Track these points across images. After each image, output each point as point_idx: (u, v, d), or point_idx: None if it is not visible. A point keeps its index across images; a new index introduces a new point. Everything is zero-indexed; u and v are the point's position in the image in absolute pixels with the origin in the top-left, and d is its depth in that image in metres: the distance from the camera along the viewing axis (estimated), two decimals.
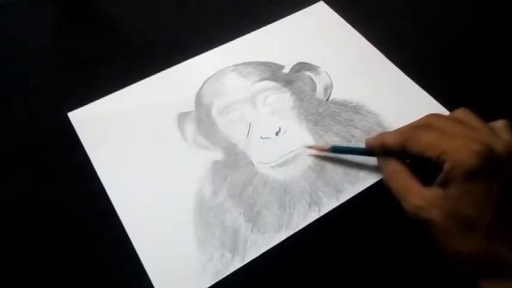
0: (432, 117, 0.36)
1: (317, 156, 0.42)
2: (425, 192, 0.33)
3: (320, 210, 0.39)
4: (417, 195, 0.34)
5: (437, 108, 0.45)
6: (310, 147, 0.42)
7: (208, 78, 0.48)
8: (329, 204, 0.40)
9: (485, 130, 0.34)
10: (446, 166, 0.32)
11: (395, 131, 0.38)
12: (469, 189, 0.32)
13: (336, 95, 0.47)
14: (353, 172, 0.41)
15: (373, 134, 0.43)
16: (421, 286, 0.37)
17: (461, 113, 0.36)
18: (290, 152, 0.42)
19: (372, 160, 0.40)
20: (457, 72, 0.50)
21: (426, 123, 0.36)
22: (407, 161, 0.36)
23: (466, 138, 0.32)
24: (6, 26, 0.54)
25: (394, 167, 0.37)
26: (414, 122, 0.37)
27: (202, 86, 0.47)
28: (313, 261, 0.37)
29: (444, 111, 0.45)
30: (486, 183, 0.31)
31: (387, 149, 0.37)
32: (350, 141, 0.43)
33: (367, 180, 0.41)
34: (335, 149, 0.41)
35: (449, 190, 0.32)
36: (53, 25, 0.55)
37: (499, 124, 0.35)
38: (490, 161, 0.31)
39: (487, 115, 0.35)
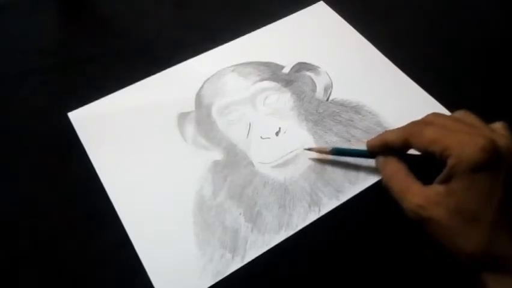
0: (433, 116, 0.36)
1: (317, 157, 0.42)
2: (426, 190, 0.33)
3: (319, 210, 0.39)
4: (418, 194, 0.33)
5: (437, 108, 0.45)
6: (310, 149, 0.42)
7: (208, 78, 0.48)
8: (329, 204, 0.40)
9: (486, 128, 0.34)
10: (450, 161, 0.32)
11: (397, 128, 0.38)
12: (474, 183, 0.31)
13: (336, 95, 0.47)
14: (353, 172, 0.41)
15: (373, 134, 0.43)
16: (421, 286, 0.37)
17: (461, 113, 0.36)
18: (290, 152, 0.42)
19: (372, 160, 0.40)
20: (457, 72, 0.50)
21: (427, 121, 0.36)
22: (409, 152, 0.36)
23: (469, 134, 0.32)
24: (6, 26, 0.54)
25: (393, 166, 0.37)
26: (416, 120, 0.37)
27: (202, 86, 0.47)
28: (313, 261, 0.37)
29: (444, 111, 0.45)
30: (491, 177, 0.31)
31: (389, 147, 0.37)
32: (349, 141, 0.43)
33: (367, 180, 0.41)
34: (335, 151, 0.41)
35: (453, 185, 0.32)
36: (53, 25, 0.55)
37: (498, 125, 0.35)
38: (494, 155, 0.31)
39: (486, 115, 0.35)
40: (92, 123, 0.45)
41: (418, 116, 0.37)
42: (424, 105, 0.46)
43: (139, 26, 0.54)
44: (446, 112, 0.44)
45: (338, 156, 0.42)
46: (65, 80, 0.49)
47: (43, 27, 0.54)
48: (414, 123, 0.36)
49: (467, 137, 0.32)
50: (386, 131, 0.39)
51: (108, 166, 0.42)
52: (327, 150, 0.41)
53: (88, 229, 0.39)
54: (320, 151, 0.42)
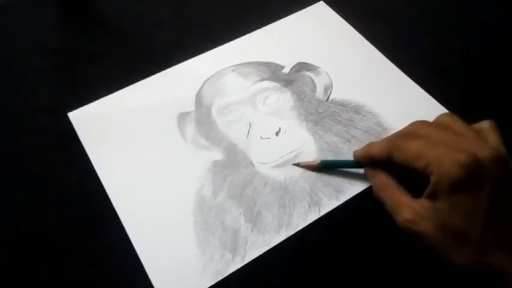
0: (417, 125, 0.36)
1: (317, 157, 0.42)
2: (415, 204, 0.33)
3: (319, 210, 0.39)
4: (408, 209, 0.33)
5: (437, 108, 0.45)
6: (297, 164, 0.41)
7: (208, 78, 0.48)
8: (329, 204, 0.40)
9: (471, 135, 0.33)
10: (433, 178, 0.32)
11: (382, 140, 0.38)
12: (456, 201, 0.31)
13: (336, 95, 0.47)
14: (353, 172, 0.41)
15: (373, 134, 0.43)
16: (421, 286, 0.37)
17: (445, 118, 0.36)
18: (290, 152, 0.42)
19: None
20: (457, 72, 0.50)
21: (411, 132, 0.35)
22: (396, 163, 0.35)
23: (450, 148, 0.32)
24: (6, 26, 0.54)
25: (382, 179, 0.37)
26: (400, 130, 0.37)
27: (202, 86, 0.47)
28: (314, 261, 0.37)
29: (444, 112, 0.45)
30: (473, 194, 0.31)
31: (374, 160, 0.37)
32: (350, 141, 0.43)
33: (367, 180, 0.41)
34: (324, 164, 0.41)
35: (438, 204, 0.32)
36: (53, 25, 0.55)
37: (485, 125, 0.34)
38: (475, 171, 0.31)
39: (486, 115, 0.35)
40: (92, 123, 0.45)
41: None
42: (424, 105, 0.46)
43: (139, 26, 0.54)
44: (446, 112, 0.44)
45: (336, 157, 0.42)
46: (65, 80, 0.49)
47: (43, 27, 0.54)
48: (398, 136, 0.36)
49: (447, 152, 0.31)
50: (370, 143, 0.39)
51: (108, 166, 0.42)
52: (315, 164, 0.41)
53: (88, 229, 0.39)
54: (308, 166, 0.41)
